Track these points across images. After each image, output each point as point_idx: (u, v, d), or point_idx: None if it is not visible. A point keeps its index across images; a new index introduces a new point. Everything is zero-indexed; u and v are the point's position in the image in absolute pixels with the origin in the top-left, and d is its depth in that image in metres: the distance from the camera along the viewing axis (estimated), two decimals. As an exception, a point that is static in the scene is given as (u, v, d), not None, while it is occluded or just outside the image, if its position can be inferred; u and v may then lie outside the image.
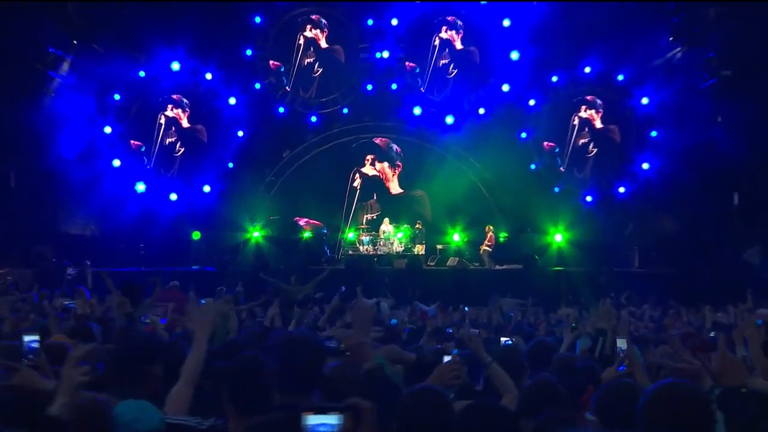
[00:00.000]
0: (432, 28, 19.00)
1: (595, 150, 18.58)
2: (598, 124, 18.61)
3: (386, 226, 17.91)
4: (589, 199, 18.34)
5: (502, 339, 5.49)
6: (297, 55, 19.14)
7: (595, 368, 3.78)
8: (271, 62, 19.12)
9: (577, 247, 17.20)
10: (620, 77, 18.00)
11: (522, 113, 18.59)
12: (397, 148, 19.30)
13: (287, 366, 2.70)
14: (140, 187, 18.15)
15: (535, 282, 14.64)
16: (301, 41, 19.15)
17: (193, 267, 17.07)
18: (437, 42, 18.99)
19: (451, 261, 17.12)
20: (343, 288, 11.13)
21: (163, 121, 18.68)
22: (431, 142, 18.93)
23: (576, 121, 18.65)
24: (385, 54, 18.70)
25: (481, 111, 18.58)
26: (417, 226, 17.82)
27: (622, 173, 18.21)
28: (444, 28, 19.01)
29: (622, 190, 18.09)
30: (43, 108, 15.98)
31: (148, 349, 3.21)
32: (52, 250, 15.95)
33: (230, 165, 18.81)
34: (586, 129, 18.63)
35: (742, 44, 15.17)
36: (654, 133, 17.80)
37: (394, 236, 17.75)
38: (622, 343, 4.02)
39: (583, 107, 18.63)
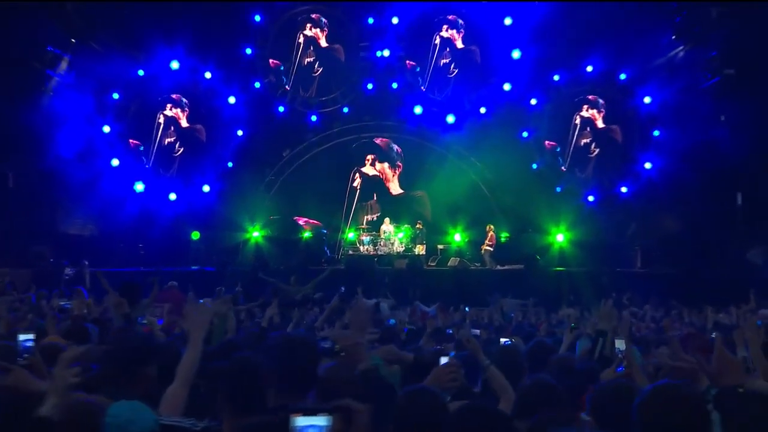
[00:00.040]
0: (433, 26, 18.97)
1: (597, 149, 18.54)
2: (600, 124, 18.58)
3: (387, 226, 17.86)
4: (590, 198, 18.30)
5: (502, 339, 5.46)
6: (297, 54, 19.12)
7: (595, 369, 3.76)
8: (270, 61, 19.10)
9: (579, 247, 17.16)
10: (622, 76, 17.98)
11: (523, 112, 18.55)
12: (398, 148, 19.26)
13: (284, 366, 2.68)
14: (139, 186, 18.14)
15: (536, 282, 14.62)
16: (301, 40, 19.14)
17: (193, 267, 17.06)
18: (438, 41, 18.96)
19: (452, 261, 17.09)
20: (343, 288, 11.08)
21: (162, 120, 18.67)
22: (432, 141, 18.91)
23: (578, 121, 18.62)
24: (386, 53, 18.67)
25: (483, 110, 18.55)
26: (418, 226, 17.76)
27: (624, 173, 18.17)
28: (445, 26, 18.98)
29: (624, 189, 18.05)
30: (41, 107, 15.98)
31: (142, 350, 3.17)
32: (51, 250, 15.93)
33: (230, 164, 18.80)
34: (588, 128, 18.60)
35: (744, 43, 15.12)
36: (656, 133, 17.76)
37: (394, 236, 17.71)
38: (620, 344, 4.00)
39: (585, 106, 18.61)
